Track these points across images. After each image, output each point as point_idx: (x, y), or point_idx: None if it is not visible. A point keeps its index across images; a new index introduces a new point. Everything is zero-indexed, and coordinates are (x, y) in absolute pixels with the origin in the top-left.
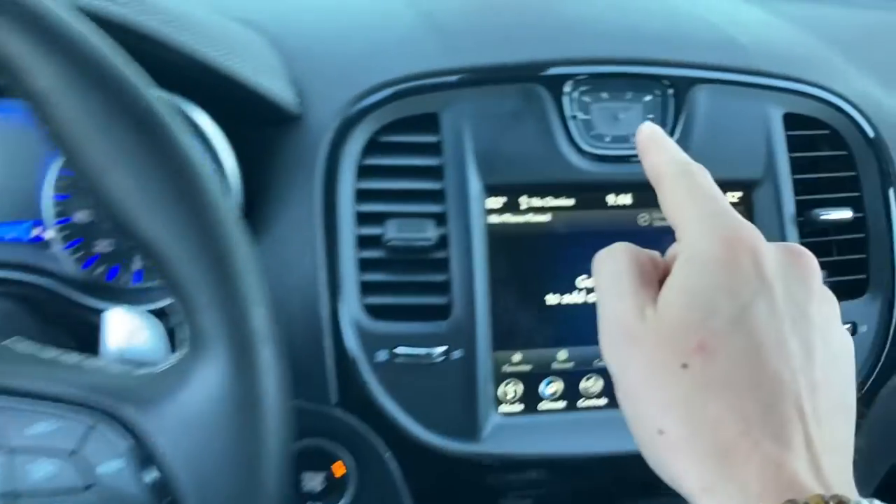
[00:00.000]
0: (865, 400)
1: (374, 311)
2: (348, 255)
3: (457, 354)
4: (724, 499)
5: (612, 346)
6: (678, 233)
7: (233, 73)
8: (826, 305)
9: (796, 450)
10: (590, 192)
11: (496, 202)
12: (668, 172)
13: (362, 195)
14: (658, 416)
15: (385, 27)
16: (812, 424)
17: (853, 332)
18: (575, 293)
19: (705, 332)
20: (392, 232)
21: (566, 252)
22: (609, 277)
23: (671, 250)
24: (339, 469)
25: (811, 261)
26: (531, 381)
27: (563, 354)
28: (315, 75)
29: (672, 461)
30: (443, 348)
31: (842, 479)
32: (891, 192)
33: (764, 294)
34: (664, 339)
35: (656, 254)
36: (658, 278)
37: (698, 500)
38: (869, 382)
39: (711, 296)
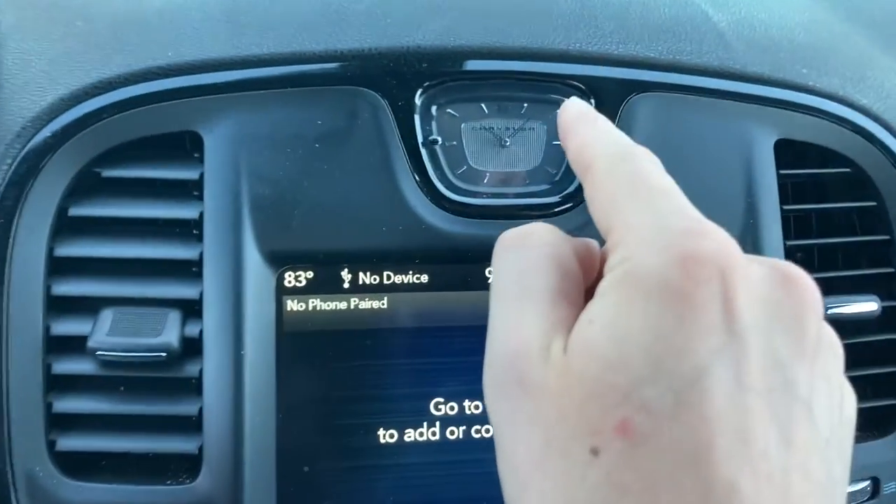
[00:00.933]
0: None
1: (69, 464)
2: (28, 370)
3: None
4: None
5: (497, 390)
6: (611, 240)
7: None
8: (821, 361)
9: None
10: (456, 264)
11: (296, 279)
12: (600, 156)
13: (60, 267)
14: None
15: None
16: None
17: (873, 492)
18: (426, 426)
19: (632, 405)
20: (104, 332)
21: (414, 360)
22: (511, 277)
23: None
24: None
25: (808, 291)
26: None
27: None
28: (16, 69)
29: None
30: None
31: None
32: None
33: (731, 352)
34: (571, 403)
35: (593, 246)
36: (589, 286)
37: None
38: None
39: (650, 347)
